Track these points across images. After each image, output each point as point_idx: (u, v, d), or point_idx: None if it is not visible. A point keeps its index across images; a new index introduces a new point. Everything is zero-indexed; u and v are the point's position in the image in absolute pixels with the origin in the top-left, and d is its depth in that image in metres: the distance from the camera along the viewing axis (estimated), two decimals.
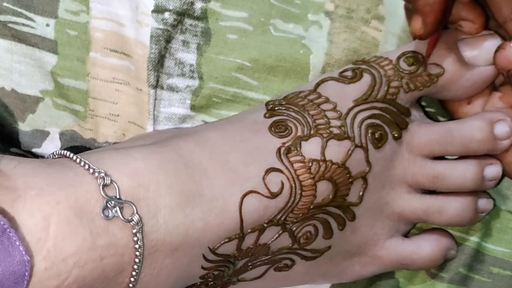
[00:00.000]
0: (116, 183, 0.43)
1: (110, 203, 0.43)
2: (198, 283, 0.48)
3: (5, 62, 0.51)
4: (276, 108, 0.49)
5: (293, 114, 0.49)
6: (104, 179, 0.43)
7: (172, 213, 0.44)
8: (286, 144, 0.48)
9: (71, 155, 0.45)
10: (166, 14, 0.50)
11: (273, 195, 0.47)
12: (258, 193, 0.46)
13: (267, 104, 0.50)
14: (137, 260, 0.43)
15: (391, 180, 0.50)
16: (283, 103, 0.49)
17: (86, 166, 0.44)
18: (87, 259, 0.41)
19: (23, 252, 0.39)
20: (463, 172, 0.50)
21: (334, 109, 0.49)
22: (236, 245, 0.47)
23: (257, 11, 0.51)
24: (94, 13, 0.51)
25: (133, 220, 0.43)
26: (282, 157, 0.47)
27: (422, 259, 0.51)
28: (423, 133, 0.50)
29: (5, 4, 0.50)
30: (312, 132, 0.48)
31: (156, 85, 0.51)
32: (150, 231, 0.43)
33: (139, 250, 0.43)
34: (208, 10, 0.51)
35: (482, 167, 0.50)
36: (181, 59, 0.52)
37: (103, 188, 0.43)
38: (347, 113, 0.49)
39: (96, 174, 0.43)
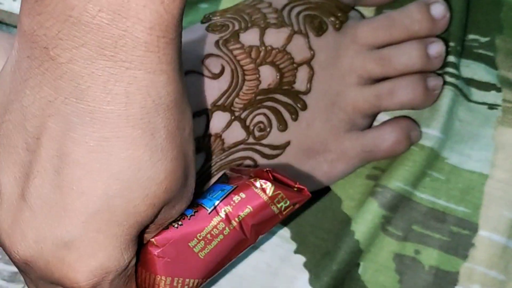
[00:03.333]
0: None
1: None
2: None
3: None
4: (211, 16, 0.50)
5: (229, 15, 0.50)
6: None
7: None
8: (224, 37, 0.48)
9: None
10: None
11: (214, 76, 0.47)
12: (198, 72, 0.46)
13: (203, 17, 0.51)
14: None
15: (339, 70, 0.50)
16: (218, 14, 0.50)
17: None
18: None
19: None
20: (408, 51, 0.50)
21: (270, 6, 0.50)
22: None
23: None
24: None
25: None
26: (221, 46, 0.48)
27: (386, 142, 0.50)
28: (365, 23, 0.51)
29: None
30: (249, 25, 0.49)
31: None
32: None
33: None
34: None
35: (425, 44, 0.51)
36: None
37: None
38: (283, 8, 0.50)
39: None
